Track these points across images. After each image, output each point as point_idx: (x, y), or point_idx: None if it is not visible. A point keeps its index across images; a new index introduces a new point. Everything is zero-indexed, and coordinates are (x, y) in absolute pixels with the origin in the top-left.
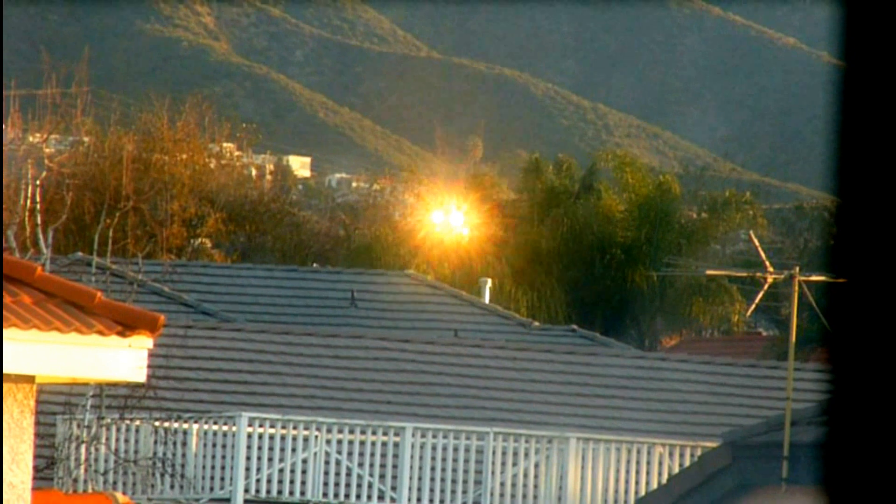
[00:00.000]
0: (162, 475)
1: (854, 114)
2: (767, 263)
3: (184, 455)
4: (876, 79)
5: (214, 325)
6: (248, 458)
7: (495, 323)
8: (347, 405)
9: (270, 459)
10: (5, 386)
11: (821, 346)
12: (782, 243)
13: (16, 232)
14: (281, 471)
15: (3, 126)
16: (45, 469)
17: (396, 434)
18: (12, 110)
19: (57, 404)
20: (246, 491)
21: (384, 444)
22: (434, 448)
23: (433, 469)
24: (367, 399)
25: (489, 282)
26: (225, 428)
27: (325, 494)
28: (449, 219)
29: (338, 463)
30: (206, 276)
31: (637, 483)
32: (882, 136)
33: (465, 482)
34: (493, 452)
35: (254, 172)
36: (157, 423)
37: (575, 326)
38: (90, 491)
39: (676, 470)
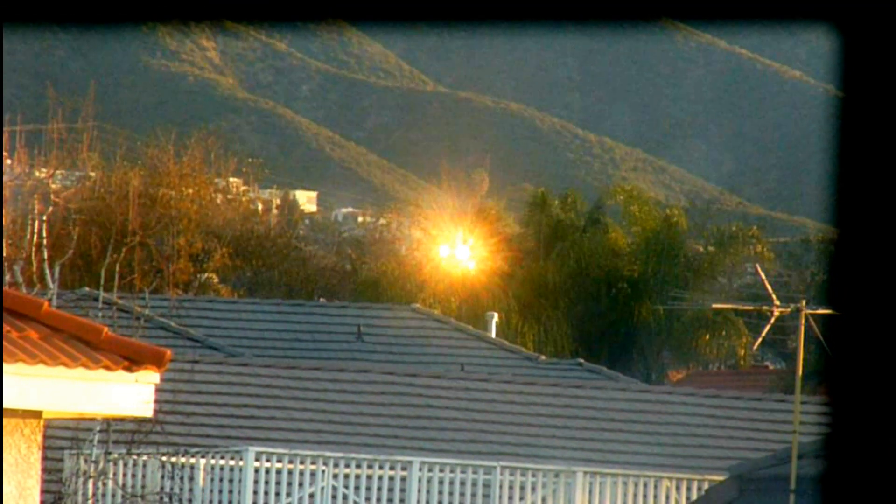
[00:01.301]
0: None
1: (852, 145)
2: (774, 297)
3: (191, 490)
4: (873, 111)
5: (221, 360)
6: (256, 493)
7: (502, 357)
8: (354, 439)
9: (277, 494)
10: (13, 421)
11: (823, 378)
12: (789, 277)
13: (22, 267)
14: None
15: (9, 161)
16: None
17: (403, 468)
18: (18, 145)
19: (64, 439)
20: None
21: (391, 478)
22: (441, 482)
23: (440, 503)
24: (373, 433)
25: (496, 316)
26: (232, 463)
27: None
28: (455, 253)
29: (345, 497)
30: (212, 311)
31: None
32: (880, 167)
33: None
34: (500, 486)
35: (260, 207)
36: (164, 458)
37: (581, 360)
38: None
39: (684, 503)
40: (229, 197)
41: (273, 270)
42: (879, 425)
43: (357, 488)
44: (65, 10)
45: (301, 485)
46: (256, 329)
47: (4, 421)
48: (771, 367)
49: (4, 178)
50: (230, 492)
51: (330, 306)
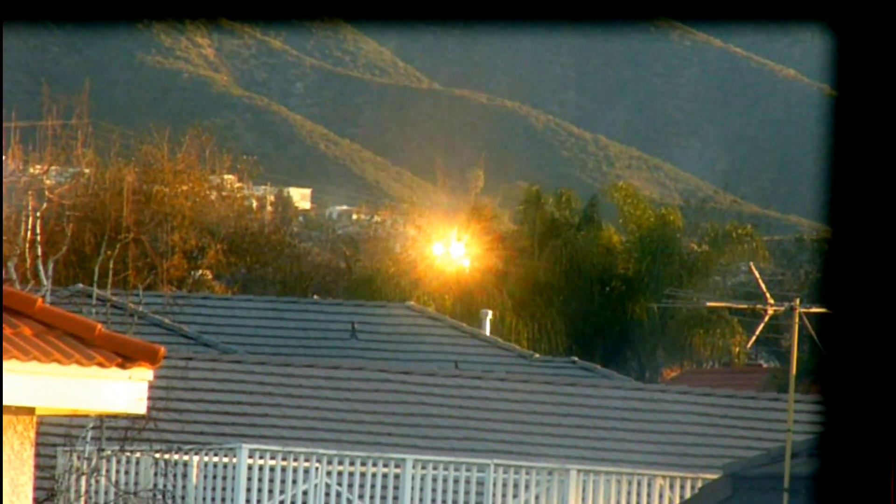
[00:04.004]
0: None
1: (846, 143)
2: (768, 295)
3: (184, 487)
4: (867, 109)
5: (215, 357)
6: (249, 490)
7: (496, 355)
8: (348, 437)
9: (271, 491)
10: (6, 418)
11: (817, 377)
12: (783, 275)
13: (16, 263)
14: (281, 503)
15: (4, 158)
16: (46, 501)
17: (397, 466)
18: (13, 142)
19: (57, 436)
20: None
21: (385, 475)
22: (435, 480)
23: (434, 501)
24: (367, 431)
25: (490, 313)
26: (225, 460)
27: None
28: (449, 250)
29: (338, 495)
30: (206, 308)
31: None
32: (873, 165)
33: None
34: (494, 484)
35: (254, 204)
36: (157, 455)
37: (575, 358)
38: None
39: (677, 502)
40: (224, 194)
41: (267, 267)
42: (873, 423)
43: (350, 486)
44: (60, 7)
45: (294, 482)
46: (250, 326)
47: None
48: (765, 366)
49: None
50: (223, 489)
51: (324, 303)
